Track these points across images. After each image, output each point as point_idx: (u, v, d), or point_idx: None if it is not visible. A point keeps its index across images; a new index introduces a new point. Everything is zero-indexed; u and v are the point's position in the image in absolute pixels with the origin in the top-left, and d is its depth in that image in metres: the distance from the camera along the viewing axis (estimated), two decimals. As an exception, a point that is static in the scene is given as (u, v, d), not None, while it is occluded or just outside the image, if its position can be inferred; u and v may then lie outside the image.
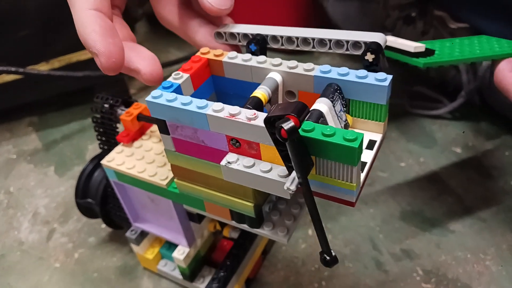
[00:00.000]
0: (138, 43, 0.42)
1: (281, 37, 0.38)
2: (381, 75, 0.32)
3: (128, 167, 0.45)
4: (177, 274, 0.53)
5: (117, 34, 0.34)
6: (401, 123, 0.75)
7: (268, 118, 0.28)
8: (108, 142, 0.50)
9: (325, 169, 0.30)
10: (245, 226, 0.41)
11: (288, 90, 0.37)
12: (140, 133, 0.49)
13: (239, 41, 0.41)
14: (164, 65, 0.94)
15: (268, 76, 0.36)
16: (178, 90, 0.36)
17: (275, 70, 0.36)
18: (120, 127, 0.49)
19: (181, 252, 0.50)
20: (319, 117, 0.31)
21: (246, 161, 0.33)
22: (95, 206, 0.56)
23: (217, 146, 0.35)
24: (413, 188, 0.64)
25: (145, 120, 0.47)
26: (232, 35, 0.41)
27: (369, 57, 0.33)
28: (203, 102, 0.33)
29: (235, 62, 0.38)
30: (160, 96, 0.35)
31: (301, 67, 0.35)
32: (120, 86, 0.89)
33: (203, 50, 0.40)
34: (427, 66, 0.46)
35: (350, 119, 0.35)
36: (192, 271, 0.52)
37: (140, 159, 0.46)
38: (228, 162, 0.34)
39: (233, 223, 0.41)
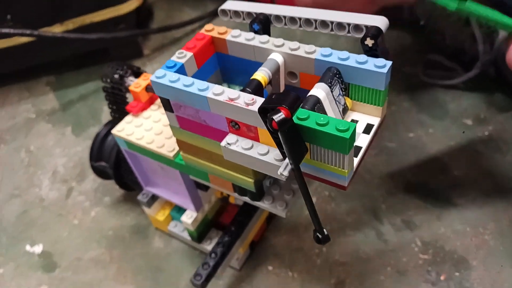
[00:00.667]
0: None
1: (284, 17, 0.38)
2: (380, 61, 0.33)
3: (137, 137, 0.47)
4: (186, 235, 0.57)
5: None
6: (414, 93, 0.74)
7: (262, 108, 0.29)
8: (119, 111, 0.52)
9: (319, 155, 0.31)
10: (246, 199, 0.43)
11: (289, 71, 0.37)
12: (149, 103, 0.50)
13: (243, 19, 0.41)
14: (179, 25, 0.94)
15: (270, 57, 0.37)
16: (181, 69, 0.37)
17: (276, 51, 0.37)
18: (130, 97, 0.50)
19: (189, 216, 0.52)
20: (316, 103, 0.32)
21: (244, 143, 0.34)
22: (109, 169, 0.58)
23: (218, 126, 0.36)
24: (420, 159, 0.64)
25: (153, 92, 0.48)
26: (236, 13, 0.41)
27: (369, 42, 0.33)
28: (204, 84, 0.34)
29: (238, 41, 0.38)
30: (163, 76, 0.36)
31: (302, 49, 0.36)
32: (134, 48, 0.89)
33: (207, 27, 0.40)
34: (458, 10, 0.44)
35: (349, 102, 0.36)
36: (199, 234, 0.55)
37: (149, 130, 0.47)
38: (228, 143, 0.35)
39: (235, 195, 0.43)
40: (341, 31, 0.36)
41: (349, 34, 0.36)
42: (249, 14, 0.40)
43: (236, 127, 0.34)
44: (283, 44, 0.37)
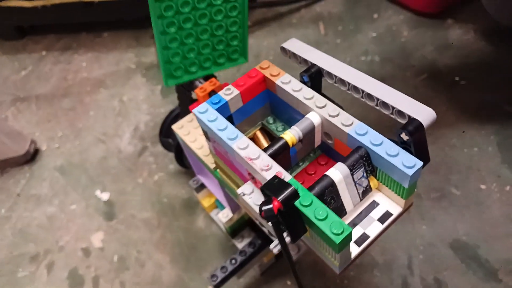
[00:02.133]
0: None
1: (335, 76, 0.37)
2: (411, 160, 0.31)
3: (191, 139, 0.50)
4: (223, 226, 0.61)
5: None
6: (507, 138, 0.66)
7: (263, 187, 0.30)
8: (184, 107, 0.55)
9: (316, 238, 0.31)
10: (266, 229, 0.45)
11: (326, 131, 0.37)
12: (209, 107, 0.52)
13: (300, 63, 0.40)
14: (285, 1, 0.92)
15: (307, 115, 0.36)
16: (225, 106, 0.39)
17: (316, 111, 0.36)
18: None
19: (225, 215, 0.56)
20: (328, 187, 0.32)
21: (257, 197, 0.36)
22: (173, 148, 0.64)
23: (240, 170, 0.37)
24: (482, 218, 0.59)
25: (214, 99, 0.51)
26: (295, 56, 0.40)
27: (404, 136, 0.31)
28: (234, 133, 0.35)
29: (285, 89, 0.38)
30: (204, 112, 0.38)
31: (340, 118, 0.35)
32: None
33: (262, 64, 0.40)
34: None
35: (375, 183, 0.35)
36: (233, 231, 0.59)
37: (202, 135, 0.50)
38: (243, 193, 0.37)
39: (257, 222, 0.45)
40: (385, 110, 0.34)
41: (392, 116, 0.34)
42: (305, 61, 0.39)
43: (254, 179, 0.36)
44: (324, 106, 0.36)
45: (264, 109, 0.43)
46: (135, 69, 0.91)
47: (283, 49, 0.41)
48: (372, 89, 0.34)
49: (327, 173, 0.32)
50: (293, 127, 0.36)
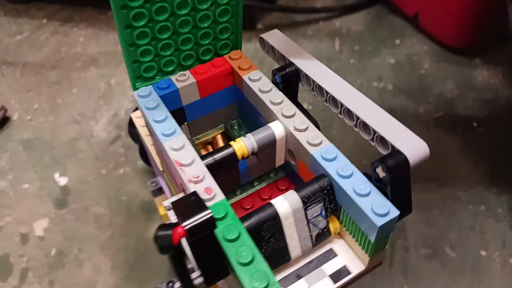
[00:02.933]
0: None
1: (313, 82, 0.29)
2: (384, 205, 0.23)
3: (146, 132, 0.43)
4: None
5: None
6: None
7: (173, 204, 0.22)
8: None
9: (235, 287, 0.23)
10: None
11: (289, 149, 0.29)
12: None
13: (278, 60, 0.32)
14: (303, 10, 0.85)
15: (270, 124, 0.28)
16: (174, 95, 0.31)
17: (282, 121, 0.28)
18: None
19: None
20: (269, 220, 0.24)
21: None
22: (138, 141, 0.57)
23: (172, 174, 0.30)
24: (477, 288, 0.50)
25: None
26: (273, 50, 0.32)
27: (380, 172, 0.23)
28: (170, 128, 0.28)
29: (251, 87, 0.30)
30: (145, 96, 0.30)
31: (307, 134, 0.27)
32: (247, 18, 0.84)
33: (234, 54, 0.33)
34: None
35: (336, 226, 0.26)
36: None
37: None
38: (169, 207, 0.29)
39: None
40: (365, 134, 0.26)
41: (372, 143, 0.26)
42: (283, 58, 0.31)
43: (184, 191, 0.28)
44: (292, 116, 0.28)
45: (230, 109, 0.35)
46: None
47: (261, 40, 0.33)
48: (353, 105, 0.26)
49: (272, 201, 0.24)
50: (248, 135, 0.28)
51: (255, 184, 0.31)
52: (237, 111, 0.35)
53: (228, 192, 0.30)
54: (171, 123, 0.28)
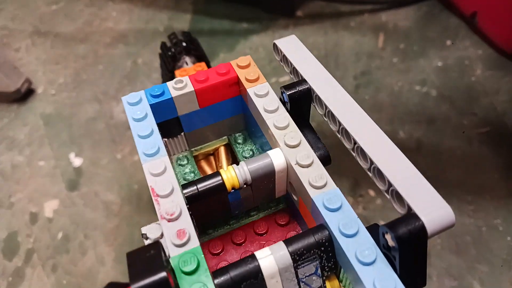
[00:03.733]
0: None
1: (326, 107, 0.24)
2: (389, 281, 0.18)
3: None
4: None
5: None
6: None
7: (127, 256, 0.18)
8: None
9: None
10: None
11: (290, 182, 0.25)
12: (190, 97, 0.41)
13: (291, 73, 0.27)
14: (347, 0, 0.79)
15: (270, 152, 0.24)
16: (169, 104, 0.27)
17: (284, 151, 0.24)
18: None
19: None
20: (250, 277, 0.20)
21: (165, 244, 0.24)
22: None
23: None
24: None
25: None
26: (286, 60, 0.28)
27: (389, 240, 0.18)
28: (154, 146, 0.24)
29: (255, 104, 0.26)
30: (135, 104, 0.27)
31: (310, 172, 0.22)
32: (287, 5, 0.79)
33: (241, 61, 0.28)
34: None
35: (335, 285, 0.22)
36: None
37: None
38: (146, 236, 0.25)
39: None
40: (380, 183, 0.21)
41: (386, 195, 0.21)
42: (296, 72, 0.27)
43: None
44: (296, 145, 0.24)
45: (235, 120, 0.31)
46: (162, 32, 0.81)
47: (275, 47, 0.29)
48: (369, 145, 0.22)
49: (256, 253, 0.20)
50: (242, 163, 0.24)
51: (252, 213, 0.27)
52: (243, 122, 0.31)
53: (218, 220, 0.27)
54: (155, 140, 0.24)
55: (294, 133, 0.24)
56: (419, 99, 0.64)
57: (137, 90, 0.71)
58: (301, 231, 0.26)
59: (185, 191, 0.23)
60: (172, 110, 0.28)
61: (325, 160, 0.25)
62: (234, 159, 0.32)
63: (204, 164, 0.32)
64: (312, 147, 0.24)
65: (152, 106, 0.27)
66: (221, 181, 0.24)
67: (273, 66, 0.71)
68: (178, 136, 0.30)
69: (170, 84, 0.27)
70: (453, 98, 0.64)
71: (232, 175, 0.24)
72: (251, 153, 0.30)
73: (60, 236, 0.55)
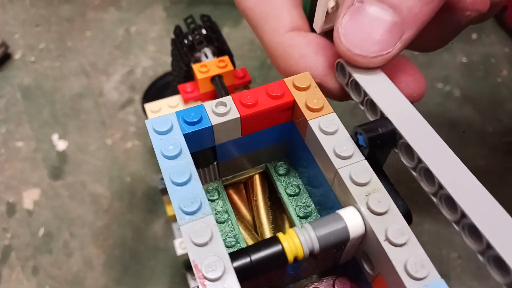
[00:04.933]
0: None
1: (420, 160, 0.19)
2: None
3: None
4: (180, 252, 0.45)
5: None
6: None
7: None
8: (176, 79, 0.38)
9: None
10: None
11: (365, 251, 0.19)
12: (209, 97, 0.35)
13: (363, 104, 0.22)
14: None
15: (342, 212, 0.19)
16: (206, 133, 0.21)
17: (362, 213, 0.18)
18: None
19: (183, 246, 0.40)
20: None
21: None
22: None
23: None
24: None
25: (217, 91, 0.33)
26: (356, 85, 0.22)
27: None
28: (195, 199, 0.18)
29: (322, 145, 0.20)
30: (164, 133, 0.20)
31: (403, 259, 0.17)
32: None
33: (299, 80, 0.22)
34: None
35: None
36: (189, 265, 0.43)
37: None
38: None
39: None
40: (473, 243, 0.16)
41: (480, 258, 0.16)
42: (372, 105, 0.21)
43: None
44: (385, 213, 0.18)
45: (278, 147, 0.25)
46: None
47: (340, 67, 0.22)
48: (487, 224, 0.16)
49: None
50: (307, 227, 0.19)
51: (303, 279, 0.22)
52: (285, 149, 0.25)
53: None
54: (195, 190, 0.18)
55: (381, 195, 0.18)
56: (441, 99, 0.60)
57: (130, 64, 0.64)
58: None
59: (235, 264, 0.18)
60: (209, 140, 0.22)
61: (407, 220, 0.20)
62: (270, 189, 0.27)
63: (234, 196, 0.26)
64: (390, 204, 0.19)
65: (186, 136, 0.20)
66: (281, 251, 0.18)
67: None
68: (210, 166, 0.24)
69: (209, 107, 0.21)
70: (477, 101, 0.59)
71: (296, 242, 0.18)
72: (297, 190, 0.25)
73: (41, 233, 0.49)
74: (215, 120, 0.21)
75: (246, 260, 0.18)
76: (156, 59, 0.64)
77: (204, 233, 0.17)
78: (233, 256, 0.18)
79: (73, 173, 0.53)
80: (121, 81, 0.62)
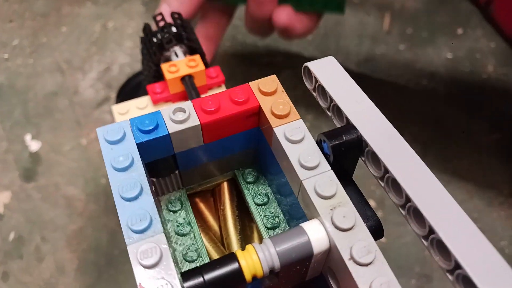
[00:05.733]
0: None
1: (386, 170, 0.17)
2: None
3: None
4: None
5: None
6: None
7: None
8: (146, 79, 0.36)
9: None
10: None
11: (331, 268, 0.18)
12: (178, 98, 0.33)
13: (329, 110, 0.20)
14: None
15: (306, 226, 0.17)
16: (164, 141, 0.20)
17: (327, 229, 0.17)
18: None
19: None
20: None
21: None
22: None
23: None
24: None
25: (188, 92, 0.31)
26: (322, 91, 0.20)
27: None
28: (145, 217, 0.17)
29: (287, 155, 0.19)
30: (115, 143, 0.19)
31: (369, 280, 0.16)
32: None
33: (264, 85, 0.21)
34: None
35: None
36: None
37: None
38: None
39: None
40: (442, 261, 0.15)
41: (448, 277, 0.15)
42: (338, 111, 0.19)
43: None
44: (350, 228, 0.17)
45: (245, 154, 0.24)
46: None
47: (306, 70, 0.21)
48: (451, 237, 0.15)
49: None
50: (267, 243, 0.17)
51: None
52: (253, 157, 0.24)
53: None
54: (146, 206, 0.17)
55: (346, 209, 0.17)
56: (426, 97, 0.58)
57: (107, 60, 0.62)
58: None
59: (186, 284, 0.16)
60: (167, 148, 0.20)
61: (376, 234, 0.18)
62: (239, 198, 0.25)
63: (200, 205, 0.25)
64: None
65: (141, 146, 0.19)
66: (238, 269, 0.17)
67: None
68: (171, 174, 0.22)
69: (166, 114, 0.20)
70: (462, 98, 0.58)
71: (254, 260, 0.17)
72: (265, 199, 0.23)
73: (12, 237, 0.47)
74: (172, 128, 0.19)
75: (199, 280, 0.16)
76: (134, 55, 0.62)
77: (152, 254, 0.16)
78: (185, 276, 0.16)
79: (46, 175, 0.51)
80: (97, 78, 0.60)
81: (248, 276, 0.17)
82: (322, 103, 0.20)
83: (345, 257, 0.16)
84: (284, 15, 0.45)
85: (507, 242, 0.48)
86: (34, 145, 0.54)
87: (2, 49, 0.63)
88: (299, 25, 0.46)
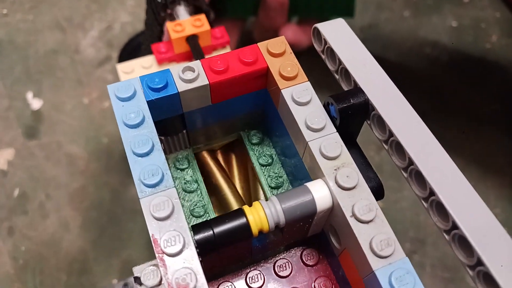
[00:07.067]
0: None
1: (391, 133, 0.18)
2: None
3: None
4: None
5: None
6: None
7: None
8: (149, 39, 0.36)
9: None
10: None
11: (333, 225, 0.19)
12: (183, 58, 0.33)
13: (337, 73, 0.20)
14: None
15: (310, 185, 0.18)
16: (173, 100, 0.20)
17: (330, 188, 0.18)
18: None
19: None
20: None
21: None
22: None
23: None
24: None
25: (193, 52, 0.31)
26: (331, 53, 0.20)
27: None
28: (156, 171, 0.17)
29: (293, 115, 0.19)
30: (126, 99, 0.19)
31: (369, 236, 0.17)
32: None
33: (273, 46, 0.21)
34: None
35: None
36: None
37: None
38: (137, 278, 0.19)
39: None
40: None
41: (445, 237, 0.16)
42: (346, 74, 0.20)
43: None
44: (353, 188, 0.17)
45: (251, 115, 0.24)
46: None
47: (316, 32, 0.21)
48: (451, 199, 0.16)
49: None
50: (273, 200, 0.18)
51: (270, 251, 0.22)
52: (260, 118, 0.24)
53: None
54: (157, 162, 0.17)
55: (349, 170, 0.18)
56: (428, 65, 0.58)
57: (108, 19, 0.61)
58: (332, 275, 0.21)
59: (197, 237, 0.17)
60: (176, 107, 0.20)
61: (378, 195, 0.19)
62: (245, 158, 0.26)
63: (207, 165, 0.26)
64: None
65: (151, 103, 0.19)
66: (246, 224, 0.18)
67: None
68: (179, 134, 0.23)
69: (175, 72, 0.20)
70: (464, 67, 0.58)
71: (261, 215, 0.18)
72: (270, 160, 0.24)
73: (16, 194, 0.48)
74: (182, 87, 0.20)
75: (208, 233, 0.17)
76: (136, 14, 0.61)
77: (164, 207, 0.17)
78: (196, 229, 0.17)
79: (48, 133, 0.52)
80: (98, 37, 0.59)
81: (255, 230, 0.18)
82: (330, 66, 0.21)
83: (347, 214, 0.17)
84: (289, 34, 0.50)
85: (500, 209, 0.49)
86: (35, 103, 0.54)
87: (1, 4, 0.62)
88: (305, 39, 0.51)
